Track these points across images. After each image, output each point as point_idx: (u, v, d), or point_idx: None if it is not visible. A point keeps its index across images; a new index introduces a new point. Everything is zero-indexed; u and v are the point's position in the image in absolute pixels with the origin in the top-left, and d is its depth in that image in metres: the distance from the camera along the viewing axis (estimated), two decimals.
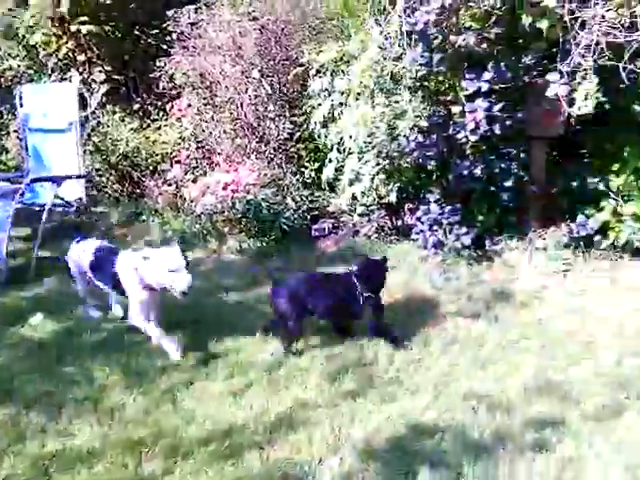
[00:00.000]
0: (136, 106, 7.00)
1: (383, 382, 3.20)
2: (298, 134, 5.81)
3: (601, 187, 4.53)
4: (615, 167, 4.47)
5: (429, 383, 3.18)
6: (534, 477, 2.50)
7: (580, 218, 4.52)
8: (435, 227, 4.56)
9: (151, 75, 6.29)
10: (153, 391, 3.14)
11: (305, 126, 5.58)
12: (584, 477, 2.50)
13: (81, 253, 3.84)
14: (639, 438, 2.74)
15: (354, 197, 4.92)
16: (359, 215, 5.10)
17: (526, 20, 3.93)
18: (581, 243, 4.51)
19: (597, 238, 4.51)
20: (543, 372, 3.29)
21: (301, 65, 5.33)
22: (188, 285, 3.22)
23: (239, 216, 5.08)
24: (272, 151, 5.80)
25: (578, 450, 2.67)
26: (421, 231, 4.65)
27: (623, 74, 3.63)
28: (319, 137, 5.16)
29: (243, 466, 2.53)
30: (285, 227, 5.04)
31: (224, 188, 5.21)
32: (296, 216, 5.23)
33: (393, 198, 4.77)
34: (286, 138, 5.77)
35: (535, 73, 4.38)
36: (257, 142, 5.78)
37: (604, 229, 4.50)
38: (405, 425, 2.83)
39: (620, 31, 3.53)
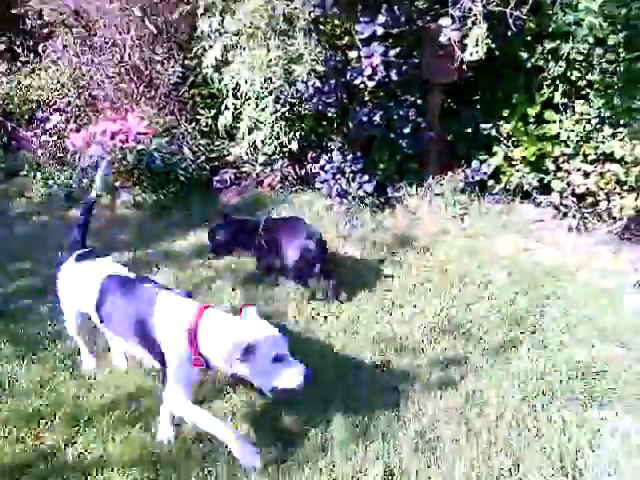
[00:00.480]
0: (1, 46, 6.14)
1: (296, 331, 3.16)
2: (191, 79, 5.42)
3: (493, 133, 4.70)
4: (505, 113, 4.65)
5: (339, 330, 3.20)
6: (441, 413, 2.62)
7: (474, 164, 4.69)
8: (338, 176, 4.52)
9: (14, 11, 5.50)
10: (48, 360, 2.90)
11: (198, 70, 5.20)
12: (486, 410, 2.66)
13: (82, 282, 2.60)
14: (534, 368, 2.97)
15: (254, 146, 4.71)
16: (261, 165, 4.91)
17: None
18: (476, 188, 4.70)
19: (490, 182, 4.71)
20: (446, 312, 3.43)
21: (187, 3, 4.91)
22: (303, 380, 2.18)
23: (130, 168, 4.68)
24: (163, 97, 5.37)
25: (479, 384, 2.84)
26: (325, 180, 4.58)
27: (510, 20, 3.70)
28: (213, 82, 4.83)
29: (152, 430, 2.40)
30: (183, 179, 4.74)
31: (112, 138, 4.76)
32: (194, 167, 4.94)
33: (295, 146, 4.63)
34: (177, 83, 5.36)
35: (428, 18, 4.37)
36: (145, 87, 5.32)
37: (497, 174, 4.72)
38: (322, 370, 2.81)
39: None
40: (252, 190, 5.08)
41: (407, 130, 4.51)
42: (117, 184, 4.89)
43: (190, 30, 5.16)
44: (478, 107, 4.87)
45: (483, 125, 4.72)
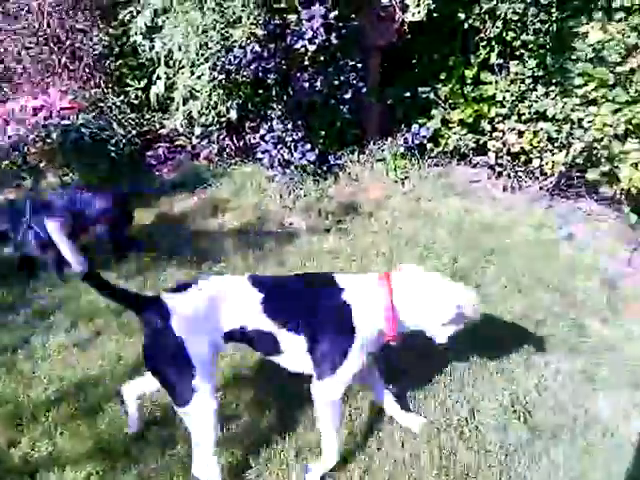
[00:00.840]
0: None
1: None
2: (117, 48, 5.13)
3: (431, 96, 4.75)
4: (442, 76, 4.71)
5: None
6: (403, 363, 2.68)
7: (414, 127, 4.74)
8: (280, 145, 4.43)
9: None
10: None
11: (125, 39, 4.92)
12: (441, 368, 2.75)
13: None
14: (480, 321, 3.06)
15: (190, 116, 4.53)
16: (198, 137, 4.74)
17: None
18: (416, 152, 4.76)
19: (430, 146, 4.79)
20: None
21: None
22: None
23: (56, 146, 4.39)
24: (87, 69, 5.06)
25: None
26: (266, 150, 4.49)
27: None
28: (143, 51, 4.58)
29: (104, 420, 2.30)
30: (114, 155, 4.50)
31: (33, 114, 4.44)
32: (125, 142, 4.69)
33: (234, 115, 4.49)
34: (102, 53, 5.06)
35: None
36: (67, 58, 4.98)
37: (435, 137, 4.79)
38: None
39: None
40: (188, 164, 4.91)
41: (348, 95, 4.47)
42: (42, 164, 4.58)
43: None
44: (416, 71, 4.90)
45: (421, 89, 4.77)
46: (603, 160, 4.20)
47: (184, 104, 4.45)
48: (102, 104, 4.87)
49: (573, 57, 4.04)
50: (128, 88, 5.05)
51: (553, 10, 4.00)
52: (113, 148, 4.51)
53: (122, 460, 2.12)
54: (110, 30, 5.04)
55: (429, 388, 2.60)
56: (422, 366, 2.71)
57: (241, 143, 4.88)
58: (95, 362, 2.63)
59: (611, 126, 4.02)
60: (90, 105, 4.76)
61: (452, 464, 2.21)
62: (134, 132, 4.86)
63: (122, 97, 5.02)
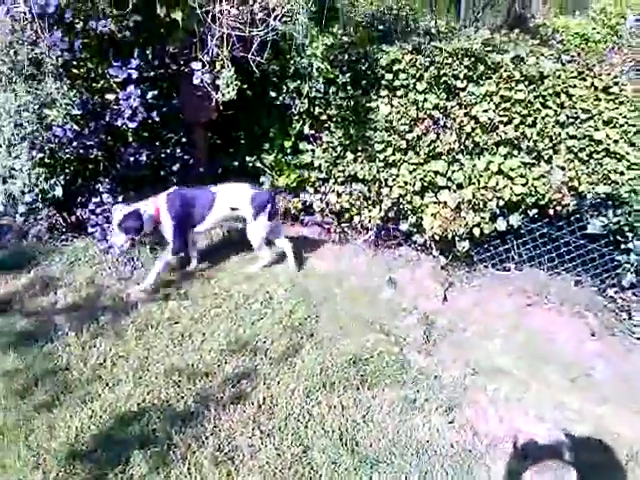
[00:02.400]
0: None
1: (81, 383, 3.04)
2: None
3: (258, 164, 5.14)
4: (265, 146, 5.13)
5: (129, 371, 3.17)
6: (237, 425, 2.80)
7: None
8: (111, 218, 4.44)
9: None
10: None
11: None
12: (276, 411, 2.93)
13: None
14: (314, 366, 3.34)
15: (12, 196, 4.37)
16: (22, 215, 4.55)
17: (161, 10, 4.08)
18: None
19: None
20: (234, 333, 3.64)
21: None
22: None
23: None
24: None
25: (269, 391, 3.10)
26: (97, 224, 4.45)
27: (252, 64, 4.14)
28: None
29: None
30: None
31: None
32: None
33: (59, 193, 4.41)
34: None
35: (182, 62, 4.63)
36: None
37: None
38: (110, 418, 2.78)
39: (245, 26, 4.00)
40: (15, 244, 4.67)
41: (176, 167, 4.68)
42: None
43: None
44: (242, 142, 5.27)
45: (248, 158, 5.14)
46: (410, 213, 4.88)
47: (4, 183, 4.30)
48: None
49: (372, 127, 4.70)
50: None
51: (349, 88, 4.65)
52: None
53: None
54: None
55: (263, 434, 2.75)
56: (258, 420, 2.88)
57: (72, 218, 4.77)
58: None
59: (410, 184, 4.71)
60: None
61: None
62: None
63: None
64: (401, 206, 4.85)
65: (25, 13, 3.56)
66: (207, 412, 2.86)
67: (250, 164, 5.15)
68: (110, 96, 4.26)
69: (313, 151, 5.01)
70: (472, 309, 4.53)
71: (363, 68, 4.72)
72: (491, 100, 4.52)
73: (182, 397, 2.98)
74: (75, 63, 4.17)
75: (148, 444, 2.61)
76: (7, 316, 3.68)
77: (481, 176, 4.62)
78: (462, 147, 4.64)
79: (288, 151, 5.07)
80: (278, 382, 3.17)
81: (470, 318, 4.34)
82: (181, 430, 2.71)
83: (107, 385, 3.04)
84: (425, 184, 4.70)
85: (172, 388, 3.05)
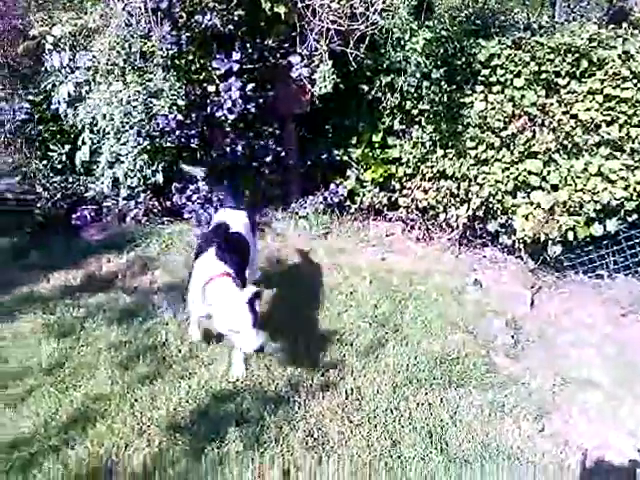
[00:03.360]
0: None
1: (179, 360, 3.20)
2: (38, 115, 5.20)
3: (345, 158, 5.17)
4: (353, 140, 5.16)
5: (223, 351, 3.30)
6: (326, 412, 2.86)
7: (332, 187, 5.13)
8: (207, 205, 4.64)
9: None
10: None
11: (45, 105, 5.02)
12: (364, 404, 2.96)
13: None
14: (400, 362, 3.35)
15: (116, 180, 4.66)
16: (124, 199, 4.84)
17: (265, 5, 4.21)
18: (335, 208, 5.12)
19: (347, 203, 5.17)
20: (320, 322, 3.70)
21: (33, 38, 4.76)
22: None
23: None
24: (8, 134, 5.08)
25: (356, 382, 3.13)
26: (193, 210, 4.67)
27: (350, 58, 4.17)
28: (66, 117, 4.71)
29: (40, 476, 2.30)
30: (40, 219, 4.50)
31: None
32: (50, 205, 4.71)
33: (160, 178, 4.65)
34: (24, 120, 5.11)
35: (279, 55, 4.74)
36: None
37: (352, 194, 5.19)
38: (206, 395, 2.91)
39: (344, 20, 4.04)
40: (115, 225, 4.97)
41: (268, 159, 4.80)
42: None
43: (34, 64, 5.00)
44: (330, 136, 5.33)
45: (336, 151, 5.18)
46: (499, 213, 4.75)
47: (110, 168, 4.58)
48: (25, 169, 4.88)
49: (464, 123, 4.60)
50: (51, 153, 5.10)
51: (443, 83, 4.57)
52: (38, 211, 4.51)
53: None
54: (30, 97, 5.12)
55: (352, 424, 2.79)
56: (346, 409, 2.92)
57: (168, 203, 5.02)
58: (28, 419, 2.61)
59: (502, 183, 4.58)
60: (13, 170, 4.76)
61: None
62: (59, 195, 4.88)
63: (45, 162, 5.05)
64: (490, 205, 4.72)
65: (140, 8, 3.77)
66: (297, 397, 2.93)
67: (338, 157, 5.18)
68: (211, 88, 4.43)
69: (402, 146, 4.97)
70: (561, 316, 4.35)
71: (459, 63, 4.63)
72: (594, 98, 4.30)
73: (273, 380, 3.07)
74: (180, 55, 4.37)
75: (242, 423, 2.72)
76: (110, 293, 3.93)
77: (578, 177, 4.41)
78: (559, 147, 4.45)
79: (376, 145, 5.06)
80: (364, 375, 3.20)
81: (559, 325, 4.18)
82: (273, 412, 2.80)
83: (203, 363, 3.19)
84: (518, 184, 4.55)
85: (263, 371, 3.15)
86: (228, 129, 4.67)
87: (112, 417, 2.70)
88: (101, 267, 4.29)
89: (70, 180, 5.06)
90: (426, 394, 3.09)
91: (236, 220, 3.46)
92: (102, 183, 4.70)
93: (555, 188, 4.50)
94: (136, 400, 2.83)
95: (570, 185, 4.45)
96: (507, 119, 4.51)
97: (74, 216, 4.91)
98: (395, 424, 2.81)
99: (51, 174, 4.97)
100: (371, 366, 3.29)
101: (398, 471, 2.52)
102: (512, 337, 3.85)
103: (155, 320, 3.59)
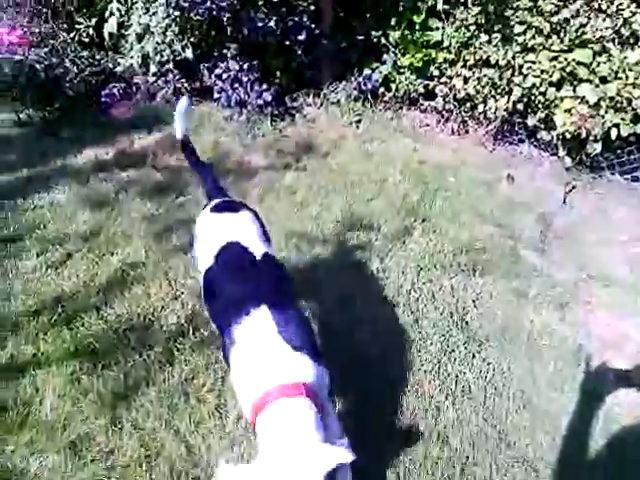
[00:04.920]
0: None
1: None
2: None
3: (382, 41, 4.90)
4: (392, 21, 4.85)
5: None
6: (353, 287, 2.96)
7: (366, 72, 4.91)
8: (236, 85, 4.51)
9: None
10: None
11: None
12: (389, 283, 3.04)
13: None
14: (426, 248, 3.38)
15: (146, 55, 4.52)
16: (154, 75, 4.72)
17: None
18: (368, 96, 4.94)
19: (381, 90, 4.97)
20: (349, 208, 3.72)
21: None
22: None
23: (9, 82, 4.30)
24: (33, 3, 4.90)
25: (382, 265, 3.19)
26: (222, 89, 4.55)
27: None
28: None
29: (83, 327, 2.47)
30: (71, 93, 4.45)
31: None
32: (79, 80, 4.63)
33: (189, 54, 4.50)
34: None
35: None
36: None
37: (387, 81, 4.97)
38: None
39: None
40: (145, 104, 4.91)
41: (302, 37, 4.57)
42: None
43: None
44: (368, 16, 5.01)
45: (373, 33, 4.90)
46: (540, 106, 4.53)
47: (139, 42, 4.43)
48: (53, 41, 4.75)
49: (513, 5, 4.26)
50: (79, 26, 4.94)
51: None
52: (68, 85, 4.45)
53: (104, 359, 2.30)
54: None
55: (376, 299, 2.89)
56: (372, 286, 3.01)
57: (197, 84, 4.91)
58: (69, 280, 2.76)
59: (547, 73, 4.32)
60: (40, 41, 4.65)
61: (397, 358, 2.52)
62: (88, 70, 4.78)
63: (73, 34, 4.91)
64: (532, 98, 4.49)
65: None
66: (326, 275, 3.01)
67: (375, 40, 4.91)
68: None
69: (444, 29, 4.67)
70: (593, 215, 4.28)
71: None
72: None
73: (302, 259, 3.15)
74: None
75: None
76: (141, 169, 3.97)
77: (631, 70, 4.13)
78: (615, 35, 4.13)
79: (417, 27, 4.76)
80: (391, 257, 3.26)
81: (590, 224, 4.12)
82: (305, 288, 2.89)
83: None
84: (564, 75, 4.28)
85: (293, 250, 3.22)
86: (261, 2, 4.41)
87: (148, 282, 2.82)
88: (131, 144, 4.30)
89: (98, 57, 4.93)
90: (450, 279, 3.14)
91: (247, 234, 1.98)
92: (131, 58, 4.58)
93: (604, 81, 4.23)
94: (170, 268, 2.94)
95: (620, 79, 4.17)
96: (560, 2, 4.16)
97: (103, 93, 4.85)
98: (418, 303, 2.90)
99: (79, 48, 4.83)
100: (397, 250, 3.33)
101: (419, 344, 2.62)
102: (541, 232, 3.83)
103: (186, 197, 3.64)
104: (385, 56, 4.93)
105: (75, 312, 2.55)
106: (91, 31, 4.95)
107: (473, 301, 3.00)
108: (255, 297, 1.62)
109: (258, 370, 1.49)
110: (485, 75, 4.59)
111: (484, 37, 4.51)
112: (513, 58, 4.42)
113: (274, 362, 1.49)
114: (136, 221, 3.32)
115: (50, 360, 2.29)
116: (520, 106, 4.61)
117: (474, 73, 4.65)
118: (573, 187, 4.52)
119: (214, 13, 4.32)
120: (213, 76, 4.58)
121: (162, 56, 4.48)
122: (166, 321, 2.56)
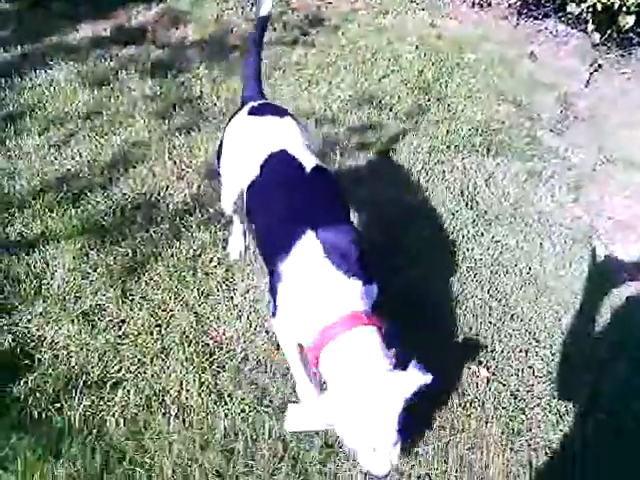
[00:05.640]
0: None
1: (214, 113, 3.16)
2: None
3: None
4: None
5: None
6: (361, 168, 2.88)
7: None
8: None
9: None
10: None
11: None
12: (399, 162, 2.95)
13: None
14: (440, 128, 3.24)
15: None
16: None
17: None
18: None
19: None
20: (360, 86, 3.54)
21: None
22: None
23: None
24: None
25: (391, 144, 3.08)
26: None
27: None
28: None
29: (89, 205, 2.46)
30: None
31: None
32: None
33: None
34: None
35: None
36: None
37: None
38: None
39: None
40: None
41: None
42: None
43: None
44: None
45: None
46: None
47: None
48: None
49: None
50: None
51: None
52: None
53: (111, 236, 2.31)
54: None
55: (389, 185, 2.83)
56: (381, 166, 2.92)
57: None
58: (72, 159, 2.71)
59: None
60: None
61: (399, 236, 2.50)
62: None
63: None
64: None
65: None
66: (333, 155, 2.92)
67: None
68: None
69: None
70: (617, 97, 4.06)
71: None
72: None
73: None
74: None
75: None
76: (141, 45, 3.75)
77: None
78: None
79: None
80: (402, 137, 3.14)
81: (612, 106, 3.92)
82: None
83: None
84: None
85: None
86: None
87: (152, 161, 2.76)
88: (130, 19, 4.05)
89: None
90: (463, 159, 3.04)
91: (291, 142, 1.75)
92: None
93: None
94: (174, 147, 2.86)
95: None
96: None
97: None
98: (428, 184, 2.82)
99: None
100: (409, 130, 3.21)
101: (427, 221, 2.59)
102: (561, 112, 3.66)
103: (188, 75, 3.47)
104: None
105: (80, 191, 2.51)
106: None
107: (485, 181, 2.92)
108: (305, 220, 1.49)
109: (313, 306, 1.43)
110: None
111: None
112: None
113: (328, 294, 1.42)
114: (137, 100, 3.19)
115: (58, 236, 2.29)
116: None
117: None
118: (600, 66, 4.23)
119: None
120: None
121: None
122: (172, 200, 2.53)
